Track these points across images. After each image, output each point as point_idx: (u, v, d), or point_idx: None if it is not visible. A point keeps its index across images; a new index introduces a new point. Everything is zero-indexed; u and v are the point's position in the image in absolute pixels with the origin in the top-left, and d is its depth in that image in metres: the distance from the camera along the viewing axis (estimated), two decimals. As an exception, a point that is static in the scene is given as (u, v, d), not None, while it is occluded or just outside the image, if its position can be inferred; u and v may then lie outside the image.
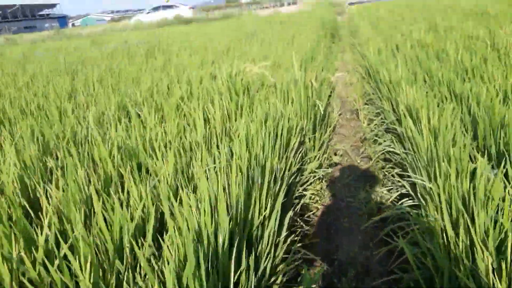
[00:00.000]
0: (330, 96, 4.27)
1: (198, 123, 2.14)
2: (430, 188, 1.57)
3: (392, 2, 17.35)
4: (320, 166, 2.60)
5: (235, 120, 2.48)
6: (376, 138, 2.95)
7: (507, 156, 1.60)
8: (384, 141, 2.77)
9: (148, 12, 26.50)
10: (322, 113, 2.67)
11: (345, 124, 3.83)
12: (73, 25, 76.63)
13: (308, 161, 2.48)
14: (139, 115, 2.69)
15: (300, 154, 2.37)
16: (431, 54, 3.82)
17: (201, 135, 2.07)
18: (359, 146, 3.22)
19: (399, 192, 2.14)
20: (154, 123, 2.35)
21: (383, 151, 2.68)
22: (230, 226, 1.36)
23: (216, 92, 2.90)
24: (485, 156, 1.69)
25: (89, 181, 1.72)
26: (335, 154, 2.97)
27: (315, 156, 2.50)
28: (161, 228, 1.58)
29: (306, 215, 2.22)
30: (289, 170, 2.07)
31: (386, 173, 2.48)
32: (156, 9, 26.39)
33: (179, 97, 2.79)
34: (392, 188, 2.27)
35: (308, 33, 7.24)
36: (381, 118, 3.16)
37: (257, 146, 1.93)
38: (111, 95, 3.14)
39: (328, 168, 2.69)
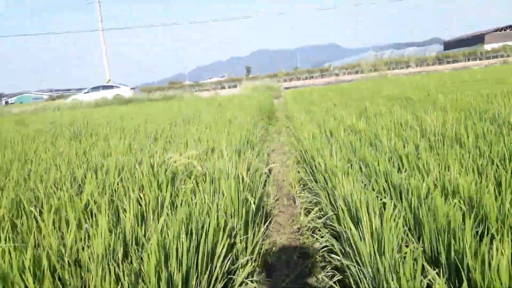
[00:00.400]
0: (266, 181, 4.06)
1: (100, 230, 1.73)
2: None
3: (323, 87, 18.71)
4: (253, 271, 2.24)
5: (153, 220, 2.10)
6: (313, 233, 2.70)
7: (461, 268, 1.38)
8: (322, 236, 2.51)
9: (87, 92, 26.05)
10: (254, 210, 2.38)
11: (282, 211, 3.56)
12: (6, 102, 73.32)
13: (239, 266, 2.12)
14: (36, 219, 2.21)
15: (230, 260, 2.02)
16: (365, 140, 3.83)
17: (101, 247, 1.66)
18: (297, 239, 2.94)
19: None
20: (49, 231, 1.89)
21: (322, 250, 2.40)
22: None
23: (135, 184, 2.53)
24: (436, 266, 1.45)
25: None
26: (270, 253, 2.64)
27: (247, 261, 2.15)
28: None
29: None
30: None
31: (325, 277, 2.18)
32: (95, 88, 26.06)
33: (89, 193, 2.37)
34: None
35: (246, 115, 7.27)
36: (319, 209, 2.94)
37: (174, 260, 1.55)
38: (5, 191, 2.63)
39: (262, 272, 2.33)
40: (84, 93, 26.06)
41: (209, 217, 2.02)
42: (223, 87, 34.95)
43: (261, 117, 8.79)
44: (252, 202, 2.15)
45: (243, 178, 2.48)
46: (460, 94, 6.65)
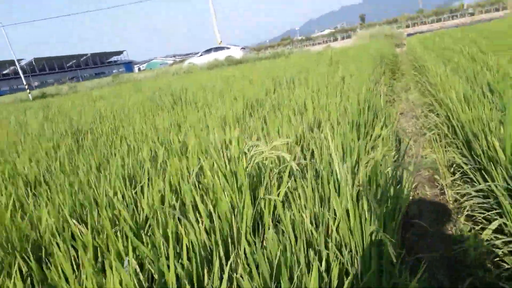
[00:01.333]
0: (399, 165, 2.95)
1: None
2: None
3: (458, 30, 15.57)
4: None
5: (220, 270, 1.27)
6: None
7: None
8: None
9: (201, 55, 26.77)
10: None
11: (425, 209, 2.45)
12: (139, 69, 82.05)
13: None
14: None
15: None
16: None
17: None
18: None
19: None
20: None
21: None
22: None
23: (201, 191, 1.75)
24: None
25: None
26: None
27: None
28: None
29: None
30: None
31: None
32: (208, 51, 26.60)
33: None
34: None
35: (362, 71, 5.99)
36: (500, 223, 1.78)
37: None
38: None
39: None
40: (198, 56, 26.85)
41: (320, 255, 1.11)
42: (336, 39, 32.51)
43: (383, 72, 7.32)
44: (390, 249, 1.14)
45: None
46: None
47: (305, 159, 2.00)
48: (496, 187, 1.76)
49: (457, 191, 2.31)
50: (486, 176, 2.03)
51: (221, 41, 31.62)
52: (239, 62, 22.72)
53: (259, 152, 1.69)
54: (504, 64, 4.16)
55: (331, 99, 3.90)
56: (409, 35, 23.42)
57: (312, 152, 2.18)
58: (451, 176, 2.62)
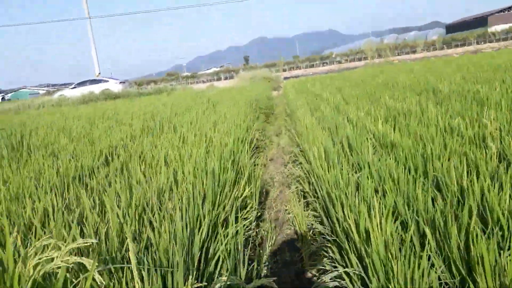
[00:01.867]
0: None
1: None
2: None
3: (326, 76, 17.20)
4: None
5: None
6: None
7: None
8: None
9: (74, 87, 24.50)
10: None
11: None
12: (3, 98, 71.97)
13: None
14: None
15: None
16: (409, 162, 2.43)
17: None
18: None
19: None
20: None
21: None
22: None
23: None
24: None
25: None
26: None
27: None
28: None
29: None
30: None
31: None
32: (82, 83, 24.51)
33: None
34: None
35: (238, 114, 5.86)
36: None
37: None
38: None
39: None
40: (71, 88, 24.54)
41: None
42: (220, 78, 33.27)
43: (257, 114, 7.38)
44: None
45: None
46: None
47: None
48: (348, 274, 1.54)
49: (317, 268, 2.09)
50: (343, 253, 1.85)
51: (99, 73, 29.67)
52: (117, 96, 21.39)
53: (49, 259, 1.18)
54: (362, 117, 4.38)
55: (196, 150, 3.55)
56: (285, 78, 25.19)
57: (147, 244, 1.73)
58: (312, 241, 2.44)
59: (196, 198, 2.06)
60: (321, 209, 2.47)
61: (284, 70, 36.95)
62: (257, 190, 3.09)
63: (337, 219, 2.02)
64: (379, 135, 3.43)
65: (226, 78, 32.66)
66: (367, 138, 3.37)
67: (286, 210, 3.19)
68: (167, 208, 2.07)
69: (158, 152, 3.42)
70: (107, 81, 24.47)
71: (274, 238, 2.69)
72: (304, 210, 2.69)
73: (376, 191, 2.26)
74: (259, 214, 3.03)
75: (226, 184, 2.63)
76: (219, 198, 2.26)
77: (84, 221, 1.95)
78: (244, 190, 2.87)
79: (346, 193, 2.16)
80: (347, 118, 4.70)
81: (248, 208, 2.77)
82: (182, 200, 2.07)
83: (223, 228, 2.02)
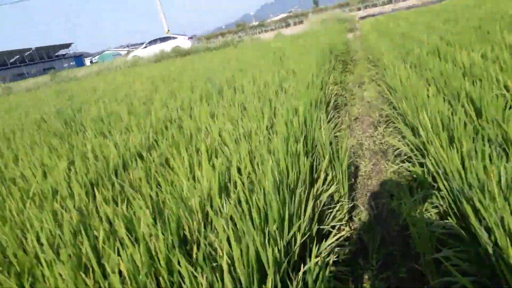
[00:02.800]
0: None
1: None
2: None
3: (412, 12, 14.92)
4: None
5: None
6: None
7: None
8: None
9: (145, 47, 24.77)
10: None
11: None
12: (91, 61, 77.58)
13: None
14: None
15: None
16: None
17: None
18: None
19: None
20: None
21: None
22: None
23: None
24: None
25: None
26: None
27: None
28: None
29: None
30: None
31: None
32: (153, 42, 24.63)
33: None
34: None
35: (309, 66, 4.91)
36: None
37: None
38: None
39: None
40: (142, 48, 24.84)
41: None
42: (288, 25, 31.33)
43: (332, 63, 6.31)
44: None
45: None
46: None
47: None
48: None
49: None
50: None
51: (168, 30, 29.68)
52: (187, 53, 21.15)
53: None
54: (480, 63, 3.18)
55: (257, 123, 2.79)
56: (361, 18, 22.74)
57: None
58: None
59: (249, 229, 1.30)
60: (453, 215, 1.58)
61: (359, 9, 33.60)
62: (345, 178, 2.25)
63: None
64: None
65: (295, 24, 30.65)
66: (502, 97, 2.27)
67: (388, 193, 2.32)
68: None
69: (210, 133, 2.71)
70: (176, 37, 24.29)
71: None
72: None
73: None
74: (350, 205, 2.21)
75: (297, 188, 1.82)
76: (287, 215, 1.47)
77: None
78: (325, 185, 2.05)
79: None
80: (457, 65, 3.51)
81: (334, 213, 1.96)
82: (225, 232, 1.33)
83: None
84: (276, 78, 4.59)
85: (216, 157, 2.31)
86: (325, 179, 2.17)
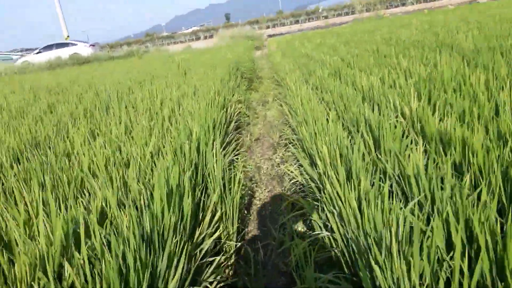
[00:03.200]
0: None
1: None
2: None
3: (312, 33, 15.70)
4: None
5: None
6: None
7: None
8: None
9: (39, 52, 22.35)
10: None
11: None
12: (-28, 65, 67.88)
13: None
14: None
15: None
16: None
17: None
18: None
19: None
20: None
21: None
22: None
23: None
24: None
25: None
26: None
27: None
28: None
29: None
30: None
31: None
32: (48, 47, 22.32)
33: None
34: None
35: (213, 80, 4.61)
36: None
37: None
38: None
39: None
40: (35, 53, 22.38)
41: None
42: (199, 38, 31.00)
43: (238, 80, 6.12)
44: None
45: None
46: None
47: None
48: None
49: None
50: None
51: (68, 36, 27.31)
52: (87, 61, 19.55)
53: None
54: (378, 87, 3.19)
55: (141, 149, 2.37)
56: (269, 36, 23.46)
57: None
58: None
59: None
60: (346, 264, 1.36)
61: (268, 27, 34.77)
62: (236, 215, 1.94)
63: None
64: (413, 118, 2.27)
65: (206, 38, 30.48)
66: (399, 125, 2.19)
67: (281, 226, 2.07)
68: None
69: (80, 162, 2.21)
70: (76, 44, 22.36)
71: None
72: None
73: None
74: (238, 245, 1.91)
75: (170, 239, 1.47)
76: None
77: None
78: (211, 226, 1.72)
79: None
80: (357, 88, 3.52)
81: (219, 258, 1.63)
82: None
83: None
84: (175, 93, 4.20)
85: (81, 195, 1.84)
86: (213, 215, 1.86)
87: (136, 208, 1.63)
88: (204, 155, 2.36)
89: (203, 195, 1.98)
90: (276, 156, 3.30)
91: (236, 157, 3.13)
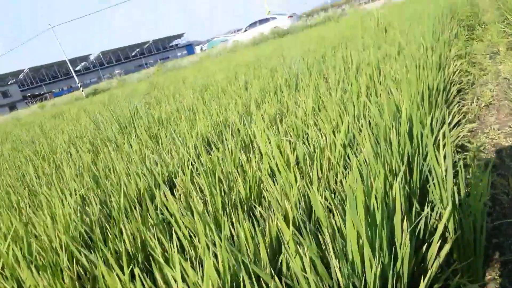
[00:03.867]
0: None
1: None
2: None
3: None
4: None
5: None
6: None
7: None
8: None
9: (245, 30, 24.49)
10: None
11: None
12: (201, 49, 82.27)
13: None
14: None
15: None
16: None
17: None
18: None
19: None
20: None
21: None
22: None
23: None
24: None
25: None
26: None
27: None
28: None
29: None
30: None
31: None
32: (252, 25, 24.21)
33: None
34: None
35: (422, 39, 3.63)
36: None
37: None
38: None
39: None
40: (242, 32, 24.61)
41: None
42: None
43: (455, 29, 4.79)
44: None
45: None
46: None
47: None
48: None
49: None
50: None
51: (269, 11, 29.02)
52: (286, 33, 20.22)
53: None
54: None
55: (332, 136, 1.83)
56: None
57: None
58: None
59: None
60: None
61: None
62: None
63: None
64: None
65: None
66: None
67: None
68: None
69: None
70: (275, 18, 23.46)
71: None
72: None
73: None
74: None
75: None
76: None
77: None
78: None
79: None
80: None
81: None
82: None
83: None
84: (373, 56, 3.45)
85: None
86: (440, 247, 1.15)
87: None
88: (419, 142, 1.62)
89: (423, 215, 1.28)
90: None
91: (462, 137, 2.22)
